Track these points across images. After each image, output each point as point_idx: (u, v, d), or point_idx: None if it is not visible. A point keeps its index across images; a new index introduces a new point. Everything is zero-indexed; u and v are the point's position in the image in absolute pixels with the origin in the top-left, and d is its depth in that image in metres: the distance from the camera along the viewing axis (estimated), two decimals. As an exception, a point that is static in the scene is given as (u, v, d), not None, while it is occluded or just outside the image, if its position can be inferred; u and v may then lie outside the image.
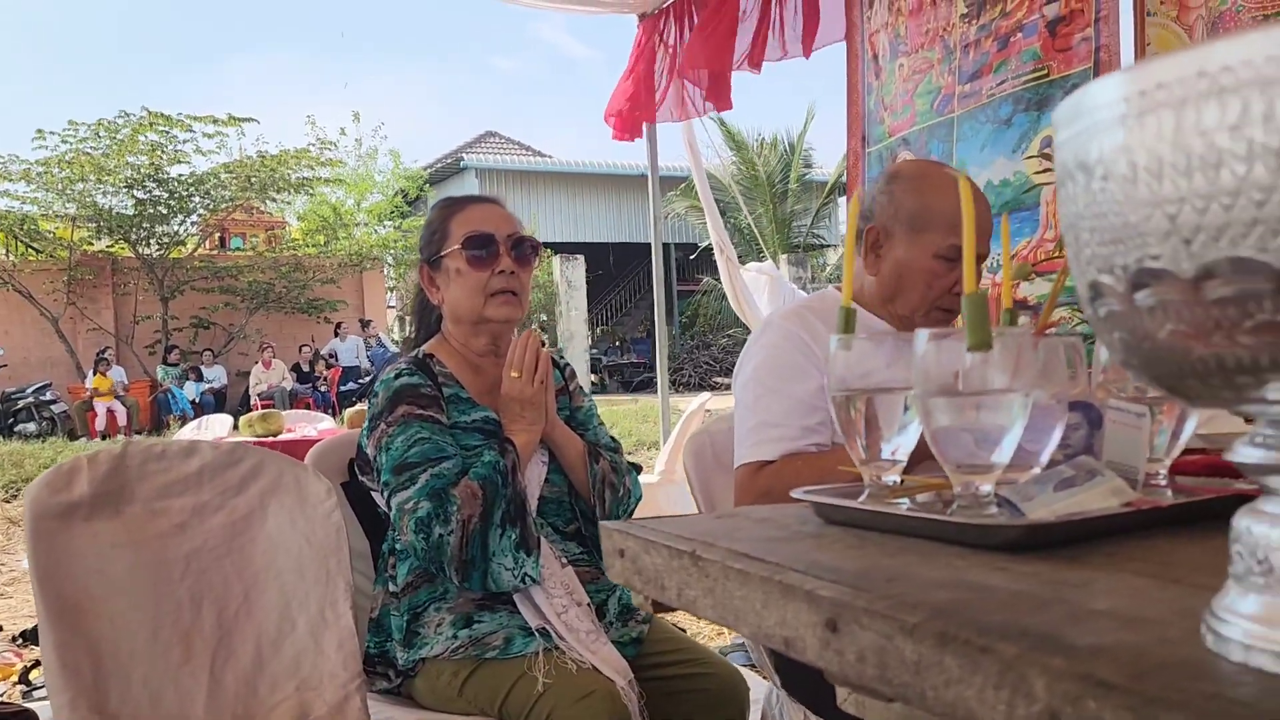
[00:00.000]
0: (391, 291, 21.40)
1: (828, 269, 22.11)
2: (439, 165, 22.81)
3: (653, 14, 5.15)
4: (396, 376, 1.68)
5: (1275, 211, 0.38)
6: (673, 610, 0.83)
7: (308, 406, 13.89)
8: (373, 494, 1.75)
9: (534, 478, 1.70)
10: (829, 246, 23.08)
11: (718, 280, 21.08)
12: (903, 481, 0.82)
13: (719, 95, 4.95)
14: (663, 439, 6.44)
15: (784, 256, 18.51)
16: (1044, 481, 0.76)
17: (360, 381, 16.41)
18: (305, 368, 16.31)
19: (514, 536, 1.57)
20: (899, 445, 0.80)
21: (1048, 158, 2.90)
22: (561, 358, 1.89)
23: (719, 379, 21.07)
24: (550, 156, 24.50)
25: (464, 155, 22.99)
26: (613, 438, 1.84)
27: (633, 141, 5.40)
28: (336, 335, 17.16)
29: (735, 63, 4.62)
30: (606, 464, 1.75)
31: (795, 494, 0.83)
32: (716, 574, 0.70)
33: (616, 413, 12.96)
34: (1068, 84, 3.10)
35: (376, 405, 1.67)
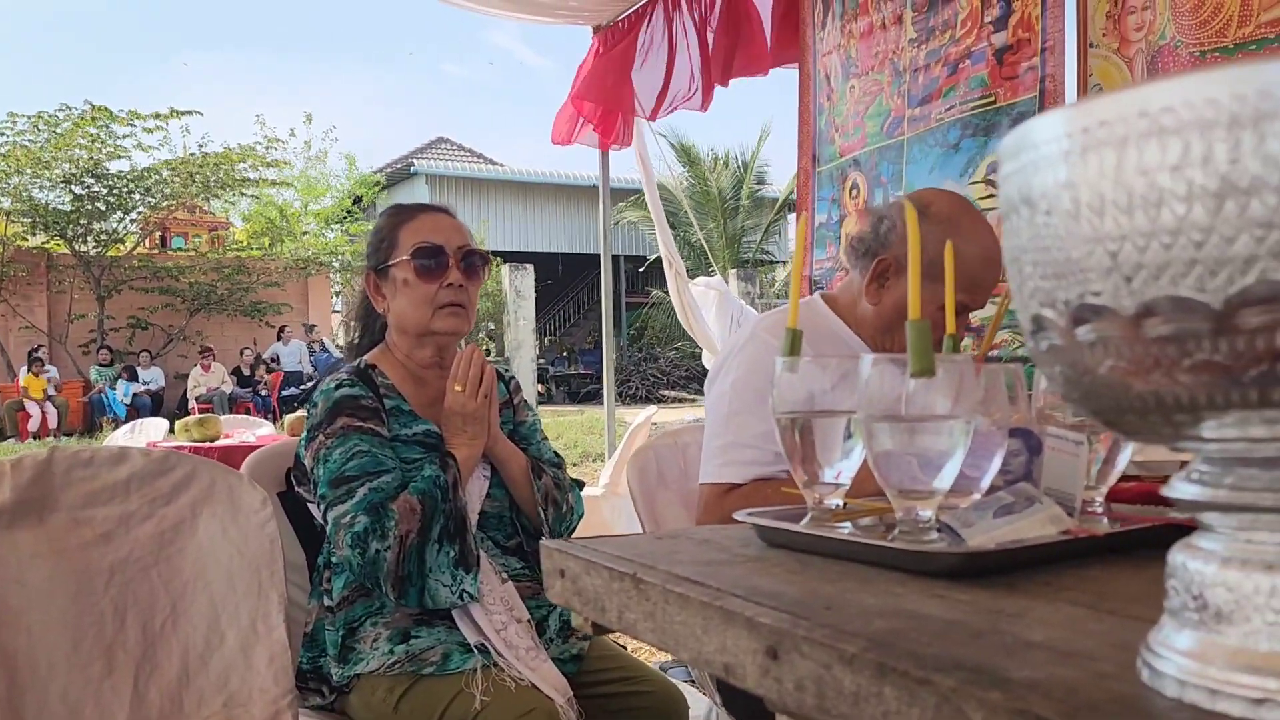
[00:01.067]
0: (337, 296, 21.13)
1: (776, 285, 22.29)
2: (389, 170, 22.61)
3: (607, 26, 5.16)
4: (337, 387, 1.65)
5: (1213, 252, 0.38)
6: (611, 631, 0.82)
7: (248, 411, 13.63)
8: (309, 505, 1.71)
9: (475, 492, 1.67)
10: (779, 263, 23.28)
11: (667, 293, 21.16)
12: (846, 505, 0.82)
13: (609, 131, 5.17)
14: (608, 451, 6.43)
15: (733, 271, 18.61)
16: (984, 508, 0.77)
17: (302, 387, 16.14)
18: (246, 371, 16.02)
19: (452, 553, 1.55)
20: (842, 469, 0.80)
21: (992, 183, 2.96)
22: (507, 370, 1.88)
23: (666, 391, 21.10)
24: (502, 165, 24.41)
25: (414, 160, 22.81)
26: (555, 453, 1.83)
27: (582, 146, 5.41)
28: (279, 339, 16.88)
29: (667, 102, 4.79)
30: (549, 480, 1.74)
31: (738, 516, 0.83)
32: (657, 598, 0.69)
33: (562, 424, 12.92)
34: (1014, 111, 3.16)
35: (315, 416, 1.64)
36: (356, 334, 1.84)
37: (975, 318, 3.12)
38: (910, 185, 3.36)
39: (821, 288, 4.25)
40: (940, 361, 0.71)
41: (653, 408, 5.61)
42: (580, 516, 1.80)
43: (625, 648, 1.82)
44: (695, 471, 1.90)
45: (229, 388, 15.29)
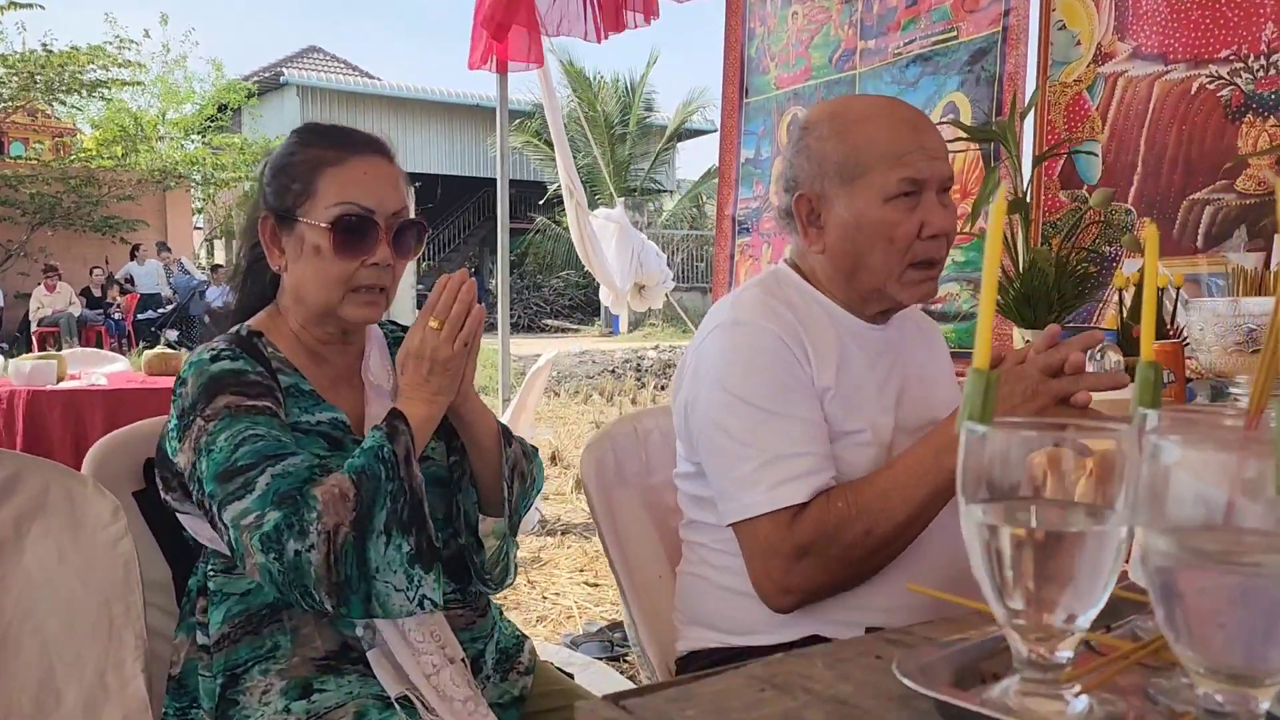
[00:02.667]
0: (199, 214, 19.78)
1: (664, 215, 22.03)
2: (257, 79, 21.11)
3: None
4: (212, 359, 1.25)
5: None
6: None
7: (99, 336, 12.64)
8: (180, 517, 1.32)
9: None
10: (665, 192, 22.99)
11: (550, 220, 20.66)
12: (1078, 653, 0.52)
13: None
14: (502, 389, 6.06)
15: (621, 200, 18.21)
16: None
17: (160, 310, 15.11)
18: (97, 293, 14.82)
19: (407, 547, 1.18)
20: (1096, 608, 0.50)
21: (955, 124, 2.70)
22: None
23: (549, 320, 20.71)
24: (378, 79, 23.16)
25: (284, 70, 21.41)
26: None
27: (493, 71, 4.94)
28: (134, 258, 15.67)
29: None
30: (519, 448, 1.39)
31: (906, 680, 0.52)
32: None
33: (444, 355, 12.41)
34: (974, 47, 2.91)
35: (185, 397, 1.24)
36: (239, 287, 1.43)
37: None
38: (863, 124, 3.09)
39: (747, 227, 3.97)
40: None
41: (553, 350, 5.28)
42: (539, 492, 1.46)
43: (571, 675, 1.52)
44: (658, 464, 1.59)
45: (78, 310, 14.12)
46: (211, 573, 1.27)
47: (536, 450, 1.47)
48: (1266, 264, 2.63)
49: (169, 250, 16.24)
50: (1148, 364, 0.65)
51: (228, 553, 1.22)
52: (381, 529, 1.17)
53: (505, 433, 1.38)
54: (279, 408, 1.25)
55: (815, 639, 1.25)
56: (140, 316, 14.69)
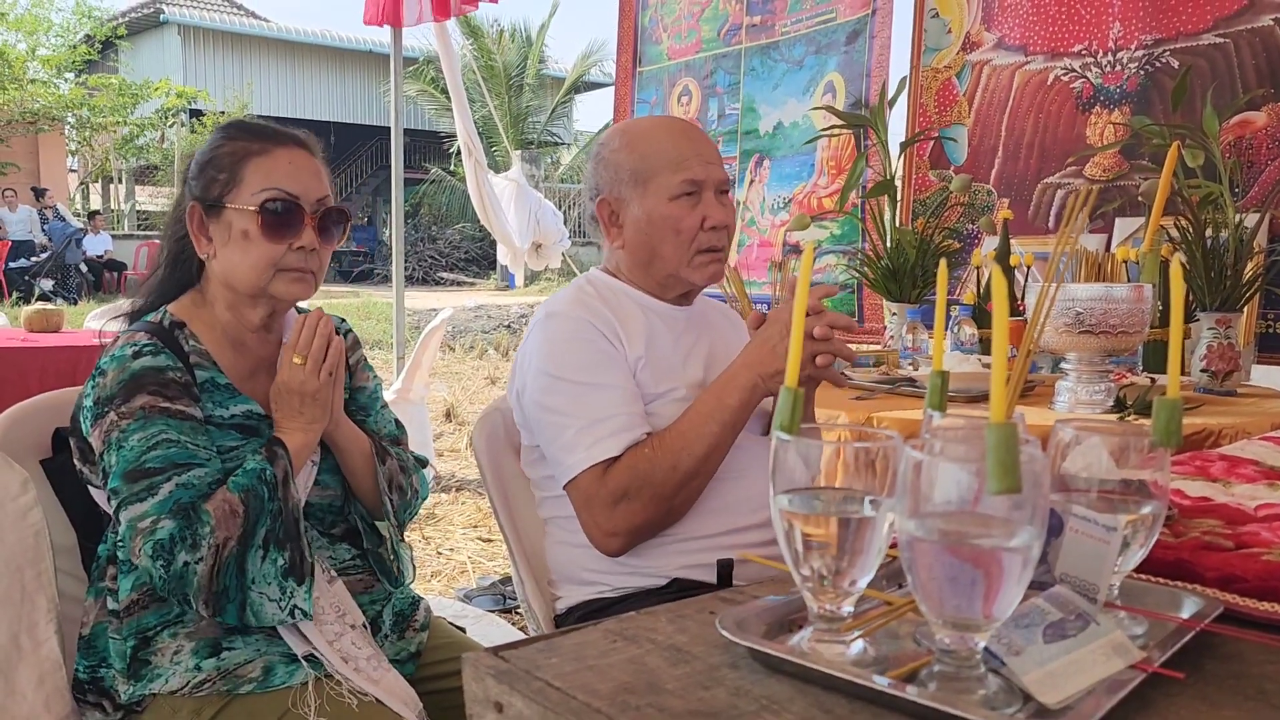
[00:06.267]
0: (73, 156, 18.84)
1: (561, 168, 21.92)
2: (133, 16, 20.08)
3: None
4: (135, 354, 1.30)
5: None
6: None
7: (-32, 286, 12.04)
8: (91, 489, 1.38)
9: (300, 481, 1.40)
10: (563, 145, 22.85)
11: (446, 171, 20.32)
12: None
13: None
14: (397, 347, 6.07)
15: (518, 153, 18.05)
16: (1026, 625, 0.64)
17: (34, 258, 14.43)
18: (-36, 240, 14.08)
19: (281, 561, 1.28)
20: (868, 576, 0.64)
21: (829, 110, 2.85)
22: (343, 323, 1.58)
23: (445, 274, 20.49)
24: (267, 20, 22.29)
25: (164, 7, 20.41)
26: (397, 422, 1.57)
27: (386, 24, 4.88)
28: (4, 204, 14.90)
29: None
30: (394, 463, 1.50)
31: (725, 632, 0.66)
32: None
33: (337, 307, 12.24)
34: (849, 29, 3.06)
35: (104, 388, 1.29)
36: (162, 270, 1.46)
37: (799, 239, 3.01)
38: (749, 98, 3.22)
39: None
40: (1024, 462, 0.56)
41: (448, 310, 5.32)
42: (424, 500, 1.58)
43: (464, 630, 1.64)
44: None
45: (-57, 258, 13.40)
46: (121, 543, 1.34)
47: (424, 462, 1.59)
48: (1108, 246, 2.88)
49: (49, 192, 15.48)
50: (937, 373, 0.80)
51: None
52: (260, 544, 1.27)
53: (379, 450, 1.49)
54: (194, 405, 1.32)
55: (675, 582, 1.43)
56: (12, 265, 14.02)
